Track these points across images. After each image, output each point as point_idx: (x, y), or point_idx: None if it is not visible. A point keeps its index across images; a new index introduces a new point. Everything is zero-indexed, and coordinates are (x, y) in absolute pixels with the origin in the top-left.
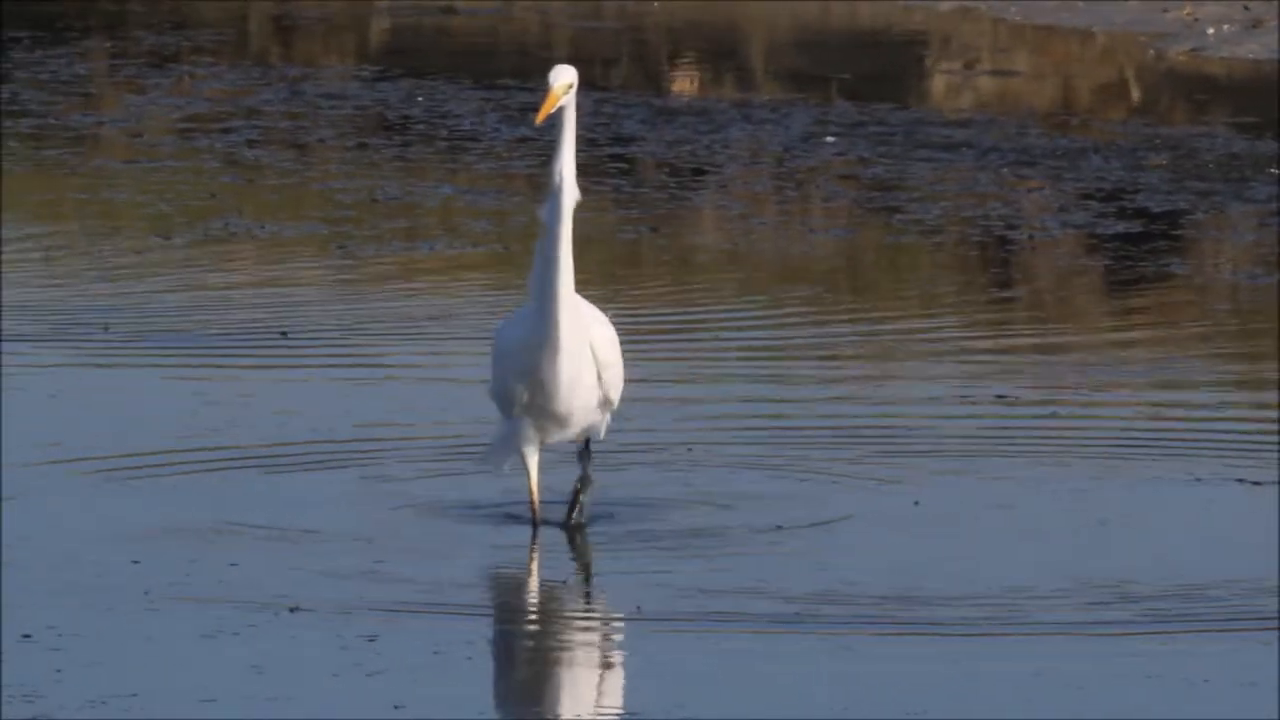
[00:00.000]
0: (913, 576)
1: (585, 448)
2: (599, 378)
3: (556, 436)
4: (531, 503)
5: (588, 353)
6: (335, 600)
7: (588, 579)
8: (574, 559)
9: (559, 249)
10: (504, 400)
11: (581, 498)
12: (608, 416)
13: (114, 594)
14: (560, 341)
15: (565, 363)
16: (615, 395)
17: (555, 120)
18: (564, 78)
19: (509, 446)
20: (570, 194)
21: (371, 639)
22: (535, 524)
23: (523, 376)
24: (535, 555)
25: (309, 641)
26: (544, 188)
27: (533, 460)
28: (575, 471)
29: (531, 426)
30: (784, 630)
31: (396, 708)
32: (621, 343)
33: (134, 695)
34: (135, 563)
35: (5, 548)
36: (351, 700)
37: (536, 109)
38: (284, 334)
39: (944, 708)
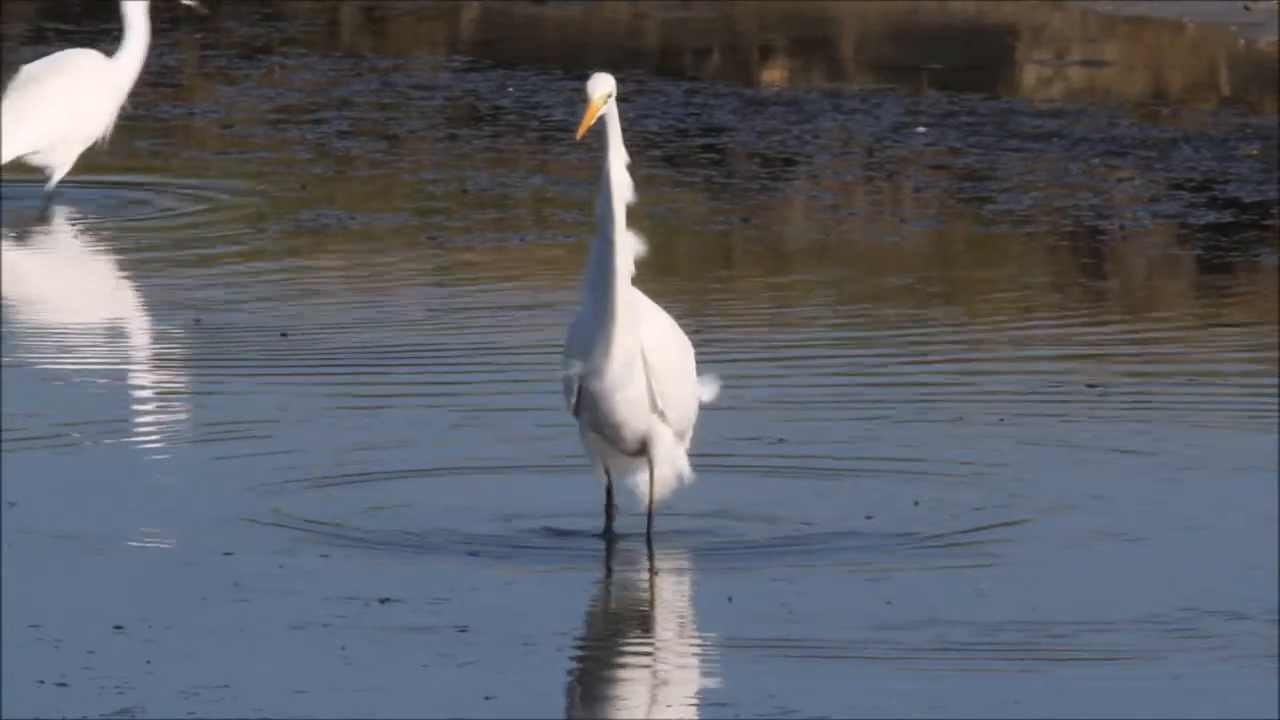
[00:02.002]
0: (1007, 595)
1: (650, 477)
2: (649, 384)
3: (613, 439)
4: (607, 505)
5: (638, 355)
6: (425, 592)
7: (673, 582)
8: (656, 562)
9: (613, 251)
10: (565, 397)
11: (650, 509)
12: (676, 440)
13: (206, 585)
14: (613, 345)
15: (616, 360)
16: (671, 405)
17: (599, 129)
18: (602, 88)
19: (588, 451)
20: (621, 194)
21: (462, 630)
22: (610, 528)
23: (572, 377)
24: (613, 559)
25: (398, 632)
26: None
27: (610, 462)
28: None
29: (590, 430)
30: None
31: (487, 699)
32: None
33: (225, 686)
34: (228, 554)
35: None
36: (442, 691)
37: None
38: (283, 334)
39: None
